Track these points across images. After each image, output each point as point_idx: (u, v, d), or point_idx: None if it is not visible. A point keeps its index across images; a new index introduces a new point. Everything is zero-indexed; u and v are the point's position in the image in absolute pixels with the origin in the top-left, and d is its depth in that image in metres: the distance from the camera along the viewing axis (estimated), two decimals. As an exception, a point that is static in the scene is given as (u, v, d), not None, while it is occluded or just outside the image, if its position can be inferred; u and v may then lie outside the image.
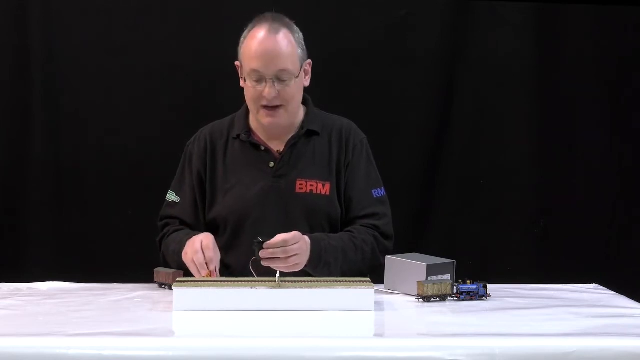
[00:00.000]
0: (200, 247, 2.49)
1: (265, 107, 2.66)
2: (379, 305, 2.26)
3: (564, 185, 3.78)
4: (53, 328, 2.01)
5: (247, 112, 2.78)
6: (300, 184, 2.71)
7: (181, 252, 2.58)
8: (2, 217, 3.61)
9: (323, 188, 2.72)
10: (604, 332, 2.01)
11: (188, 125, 3.62)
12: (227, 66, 3.62)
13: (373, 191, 2.77)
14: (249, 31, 2.68)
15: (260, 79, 2.63)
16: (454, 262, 2.51)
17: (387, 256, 2.54)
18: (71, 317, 2.15)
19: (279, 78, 2.63)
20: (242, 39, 2.70)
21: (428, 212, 3.73)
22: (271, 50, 2.63)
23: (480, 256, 3.69)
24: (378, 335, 2.18)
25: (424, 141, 3.76)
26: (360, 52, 3.67)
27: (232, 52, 3.62)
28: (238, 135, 2.75)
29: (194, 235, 2.60)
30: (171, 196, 2.80)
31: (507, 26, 3.73)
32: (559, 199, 3.79)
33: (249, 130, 2.76)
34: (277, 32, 2.65)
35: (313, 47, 3.64)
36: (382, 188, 2.79)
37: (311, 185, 2.71)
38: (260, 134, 2.75)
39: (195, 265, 2.47)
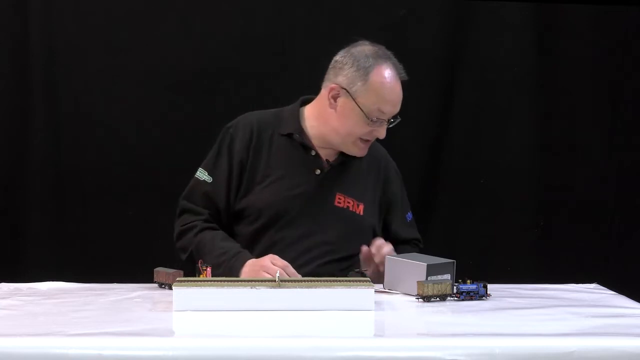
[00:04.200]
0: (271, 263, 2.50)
1: (364, 140, 2.71)
2: (379, 305, 2.26)
3: (564, 185, 3.78)
4: (53, 328, 2.01)
5: (298, 112, 2.80)
6: (339, 199, 2.75)
7: (229, 269, 2.59)
8: (2, 217, 3.61)
9: (357, 208, 2.76)
10: (604, 332, 2.01)
11: (188, 125, 3.65)
12: (227, 66, 3.65)
13: (407, 216, 2.90)
14: (375, 68, 2.67)
15: (380, 120, 2.68)
16: (454, 262, 2.51)
17: (387, 256, 2.54)
18: (71, 317, 2.15)
19: (390, 120, 2.70)
20: (358, 69, 2.68)
21: (428, 211, 3.73)
22: (399, 97, 2.70)
23: (480, 256, 3.69)
24: (378, 335, 2.18)
25: (424, 141, 3.76)
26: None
27: (232, 52, 3.65)
28: (289, 134, 2.76)
29: (243, 254, 2.62)
30: (203, 175, 2.78)
31: (507, 26, 3.74)
32: (559, 199, 3.79)
33: (301, 131, 2.76)
34: (398, 74, 2.70)
35: (313, 47, 3.67)
36: (410, 210, 2.93)
37: (348, 202, 2.75)
38: (313, 138, 2.76)
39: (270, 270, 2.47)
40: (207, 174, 2.78)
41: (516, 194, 3.77)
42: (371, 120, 2.67)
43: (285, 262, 2.50)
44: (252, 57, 3.64)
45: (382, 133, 2.71)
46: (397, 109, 2.71)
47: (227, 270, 2.60)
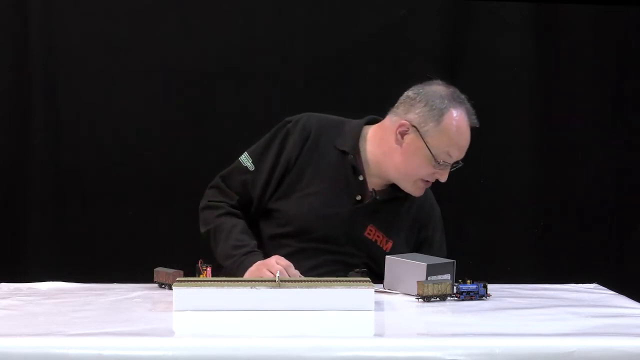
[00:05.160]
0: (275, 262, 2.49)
1: (425, 181, 2.69)
2: (379, 305, 2.26)
3: (564, 185, 3.78)
4: (53, 328, 2.01)
5: (360, 131, 2.74)
6: (370, 230, 2.71)
7: (237, 264, 2.59)
8: (2, 217, 3.61)
9: (386, 244, 2.72)
10: (604, 332, 2.01)
11: (188, 125, 3.65)
12: (227, 66, 3.65)
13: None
14: (449, 110, 2.63)
15: (445, 163, 2.65)
16: (454, 262, 2.51)
17: (387, 256, 2.54)
18: (71, 317, 2.15)
19: (454, 164, 2.69)
20: (431, 109, 2.63)
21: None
22: (468, 143, 2.68)
23: (480, 256, 3.69)
24: (378, 335, 2.18)
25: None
26: (360, 52, 3.67)
27: (232, 52, 3.65)
28: (344, 151, 2.71)
29: (256, 255, 2.60)
30: (247, 161, 2.73)
31: (507, 26, 3.74)
32: (559, 199, 3.79)
33: (357, 152, 2.72)
34: (470, 120, 2.67)
35: (313, 47, 3.67)
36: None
37: (378, 236, 2.72)
38: (366, 163, 2.71)
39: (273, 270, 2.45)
40: (251, 161, 2.72)
41: (516, 194, 3.77)
42: (438, 163, 2.64)
43: (288, 262, 2.49)
44: (252, 57, 3.64)
45: (444, 177, 2.67)
46: (464, 154, 2.68)
47: (236, 265, 2.60)
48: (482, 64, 3.73)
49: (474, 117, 2.68)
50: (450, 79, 3.69)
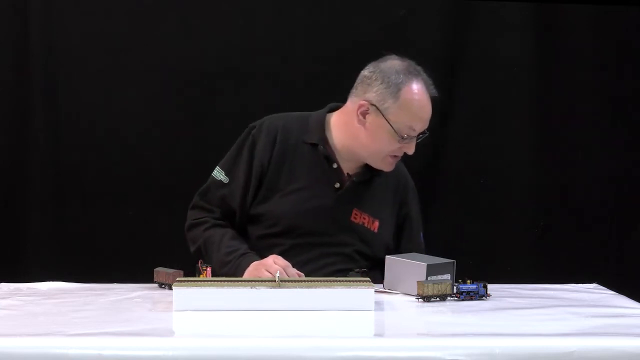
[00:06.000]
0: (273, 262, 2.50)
1: (393, 156, 2.70)
2: (378, 305, 2.26)
3: (563, 185, 3.78)
4: (53, 328, 2.01)
5: (324, 121, 2.76)
6: (355, 214, 2.73)
7: (234, 268, 2.60)
8: (2, 217, 3.61)
9: (372, 224, 2.75)
10: (604, 332, 2.01)
11: (188, 125, 3.65)
12: (227, 66, 3.65)
13: (421, 235, 2.90)
14: (406, 85, 2.65)
15: (410, 137, 2.66)
16: (454, 262, 2.51)
17: (387, 256, 2.54)
18: (71, 317, 2.15)
19: (419, 136, 2.69)
20: (388, 86, 2.64)
21: (428, 211, 3.72)
22: (429, 114, 2.69)
23: (480, 256, 3.69)
24: (378, 335, 2.18)
25: (424, 141, 3.75)
26: (359, 52, 3.66)
27: (232, 52, 3.65)
28: (313, 144, 2.73)
29: (251, 255, 2.62)
30: (220, 175, 2.75)
31: (507, 26, 3.74)
32: (559, 199, 3.79)
33: (325, 142, 2.74)
34: (429, 90, 2.68)
35: (313, 47, 3.67)
36: (422, 230, 2.93)
37: (363, 218, 2.74)
38: (336, 149, 2.74)
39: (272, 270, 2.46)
40: (224, 174, 2.75)
41: (516, 194, 3.77)
42: (401, 137, 2.65)
43: (286, 262, 2.49)
44: (252, 57, 3.64)
45: (411, 149, 2.69)
46: (427, 125, 2.69)
47: (234, 268, 2.60)
48: (482, 64, 3.73)
49: (432, 87, 2.70)
50: (450, 79, 3.73)
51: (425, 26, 3.70)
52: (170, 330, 2.10)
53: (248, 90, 3.63)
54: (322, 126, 2.76)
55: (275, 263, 2.48)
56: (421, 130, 2.69)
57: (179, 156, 3.60)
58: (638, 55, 3.75)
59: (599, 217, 3.79)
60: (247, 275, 2.54)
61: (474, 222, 3.75)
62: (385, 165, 2.72)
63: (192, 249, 2.77)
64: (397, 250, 2.81)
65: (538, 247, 3.78)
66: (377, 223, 2.75)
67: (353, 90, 2.73)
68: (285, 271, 2.45)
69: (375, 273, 2.65)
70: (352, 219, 2.73)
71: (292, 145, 2.73)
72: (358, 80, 2.73)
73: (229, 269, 2.61)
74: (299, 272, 2.50)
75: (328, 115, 2.79)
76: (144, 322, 2.10)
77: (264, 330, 2.08)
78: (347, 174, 2.74)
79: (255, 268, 2.54)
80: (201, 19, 3.63)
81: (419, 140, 2.70)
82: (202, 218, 2.76)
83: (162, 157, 3.63)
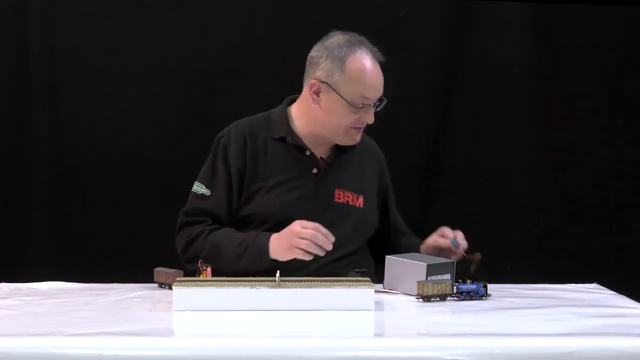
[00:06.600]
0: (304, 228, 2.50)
1: (355, 128, 2.72)
2: (379, 305, 2.26)
3: (563, 186, 3.78)
4: (53, 328, 2.01)
5: (286, 114, 2.79)
6: (339, 194, 2.76)
7: (255, 252, 2.59)
8: (2, 217, 3.61)
9: (357, 200, 2.77)
10: (604, 332, 2.01)
11: (188, 125, 3.65)
12: (227, 66, 3.65)
13: (396, 209, 2.94)
14: (350, 56, 2.66)
15: (366, 106, 2.67)
16: (454, 262, 2.52)
17: (387, 256, 2.54)
18: (71, 317, 2.15)
19: (376, 104, 2.69)
20: (333, 60, 2.67)
21: (428, 212, 3.73)
22: (380, 80, 2.69)
23: (480, 256, 3.68)
24: (378, 335, 2.18)
25: (424, 141, 3.76)
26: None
27: (232, 52, 3.65)
28: (281, 138, 2.76)
29: (265, 234, 2.62)
30: (200, 188, 2.77)
31: (507, 26, 3.74)
32: (559, 200, 3.79)
33: (292, 133, 2.77)
34: (375, 57, 2.69)
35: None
36: None
37: (347, 197, 2.77)
38: (304, 138, 2.76)
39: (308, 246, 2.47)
40: (204, 186, 2.76)
41: (516, 194, 3.77)
42: (356, 108, 2.67)
43: (314, 223, 2.50)
44: (252, 57, 3.64)
45: (369, 118, 2.70)
46: (381, 92, 2.70)
47: (253, 253, 2.60)
48: (482, 64, 3.73)
49: (378, 53, 2.71)
50: (450, 79, 3.73)
51: (425, 26, 3.70)
52: (170, 330, 2.10)
53: (248, 90, 3.63)
54: (286, 119, 2.79)
55: (305, 228, 2.49)
56: (375, 97, 2.69)
57: (179, 156, 3.60)
58: (638, 55, 3.76)
59: (599, 217, 3.78)
60: (276, 250, 2.55)
61: (474, 222, 3.74)
62: (349, 138, 2.74)
63: (192, 267, 2.65)
64: (383, 222, 2.85)
65: (538, 247, 3.78)
66: (361, 198, 2.78)
67: (305, 75, 2.77)
68: (318, 231, 2.47)
69: (365, 253, 2.74)
70: (336, 199, 2.75)
71: (261, 144, 2.76)
72: (307, 63, 2.76)
73: (249, 257, 2.60)
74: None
75: (288, 108, 2.82)
76: (144, 322, 2.10)
77: (264, 330, 2.08)
78: (321, 158, 2.77)
79: (283, 239, 2.54)
80: (201, 19, 3.63)
81: (378, 109, 2.71)
82: (196, 231, 2.74)
83: (162, 157, 3.62)
